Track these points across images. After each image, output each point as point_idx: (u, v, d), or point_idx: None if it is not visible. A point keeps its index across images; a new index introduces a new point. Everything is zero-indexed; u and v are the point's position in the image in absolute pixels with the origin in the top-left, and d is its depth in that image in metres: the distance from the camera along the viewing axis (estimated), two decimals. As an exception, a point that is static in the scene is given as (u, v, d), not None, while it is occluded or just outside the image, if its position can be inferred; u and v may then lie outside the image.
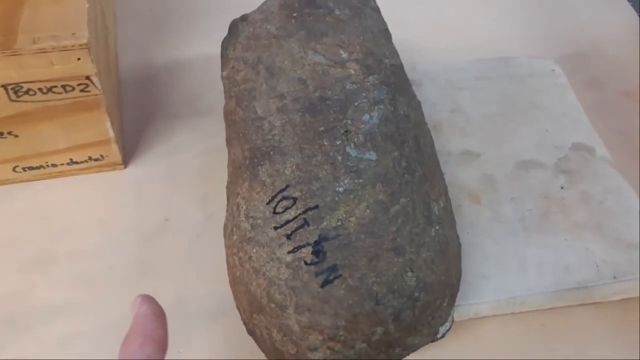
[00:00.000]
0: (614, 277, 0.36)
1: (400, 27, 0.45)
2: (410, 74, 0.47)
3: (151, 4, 0.56)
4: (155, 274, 0.38)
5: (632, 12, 0.61)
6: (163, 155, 0.45)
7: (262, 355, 0.32)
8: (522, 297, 0.36)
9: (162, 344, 0.24)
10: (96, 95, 0.36)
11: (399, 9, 0.56)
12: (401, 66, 0.38)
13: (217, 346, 0.35)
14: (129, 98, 0.48)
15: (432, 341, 0.31)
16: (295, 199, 0.30)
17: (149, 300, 0.25)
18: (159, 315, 0.24)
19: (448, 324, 0.31)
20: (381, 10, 0.43)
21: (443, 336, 0.31)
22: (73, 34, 0.33)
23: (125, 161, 0.43)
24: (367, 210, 0.29)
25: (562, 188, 0.41)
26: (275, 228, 0.29)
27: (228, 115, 0.36)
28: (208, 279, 0.37)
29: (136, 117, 0.47)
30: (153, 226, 0.40)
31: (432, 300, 0.29)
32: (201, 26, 0.54)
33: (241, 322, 0.32)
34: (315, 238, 0.29)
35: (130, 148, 0.45)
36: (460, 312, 0.35)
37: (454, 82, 0.48)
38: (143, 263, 0.39)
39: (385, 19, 0.43)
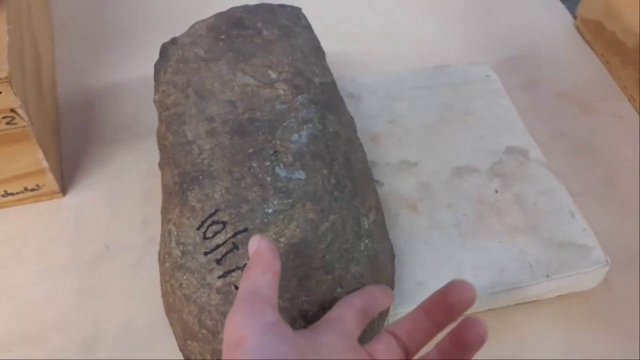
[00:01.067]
0: (547, 276, 0.38)
1: (341, 41, 0.46)
2: (349, 88, 0.48)
3: (88, 27, 0.55)
4: (95, 302, 0.38)
5: (567, 13, 0.63)
6: (103, 180, 0.44)
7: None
8: (459, 302, 0.37)
9: (278, 275, 0.26)
10: (24, 126, 0.36)
11: (338, 23, 0.57)
12: (332, 83, 0.39)
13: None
14: (67, 123, 0.47)
15: (368, 354, 0.31)
16: (224, 223, 0.30)
17: (268, 237, 0.27)
18: (276, 251, 0.27)
19: (382, 336, 0.32)
20: (321, 25, 0.44)
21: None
22: (-8, 67, 0.32)
23: (64, 189, 0.43)
24: (297, 230, 0.30)
25: (496, 192, 0.42)
26: (206, 253, 0.30)
27: (160, 140, 0.36)
28: (149, 305, 0.37)
29: (75, 142, 0.46)
30: (93, 253, 0.40)
31: (362, 314, 0.30)
32: (138, 48, 0.54)
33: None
34: (245, 261, 0.29)
35: (69, 175, 0.44)
36: (398, 319, 0.35)
37: (392, 93, 0.49)
38: (83, 291, 0.38)
39: (325, 34, 0.43)
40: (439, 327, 0.30)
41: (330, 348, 0.26)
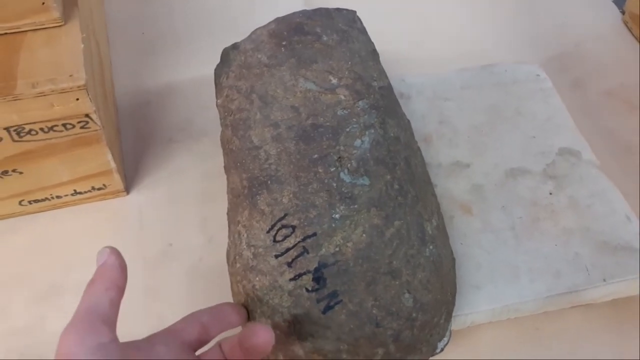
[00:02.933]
0: (604, 280, 0.38)
1: (387, 40, 0.47)
2: (398, 87, 0.49)
3: (142, 28, 0.57)
4: (161, 299, 0.40)
5: (614, 8, 0.62)
6: (163, 180, 0.46)
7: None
8: (515, 305, 0.37)
9: (122, 292, 0.27)
10: (96, 130, 0.37)
11: (384, 22, 0.58)
12: (389, 87, 0.39)
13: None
14: (126, 124, 0.49)
15: (431, 356, 0.32)
16: (294, 227, 0.31)
17: (117, 253, 0.28)
18: (124, 267, 0.28)
19: (446, 338, 0.33)
20: (367, 24, 0.44)
21: (442, 350, 0.33)
22: (70, 75, 0.34)
23: (127, 188, 0.44)
24: (363, 235, 0.31)
25: (550, 194, 0.42)
26: (276, 256, 0.31)
27: (225, 144, 0.38)
28: (213, 302, 0.39)
29: (134, 142, 0.48)
30: (157, 251, 0.42)
31: (429, 318, 0.31)
32: (189, 50, 0.55)
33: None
34: (315, 265, 0.30)
35: (130, 174, 0.46)
36: (456, 322, 0.36)
37: (441, 93, 0.49)
38: (149, 289, 0.40)
39: (371, 33, 0.44)
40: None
41: (163, 358, 0.26)
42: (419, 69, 0.55)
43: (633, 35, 0.59)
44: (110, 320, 0.26)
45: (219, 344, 0.30)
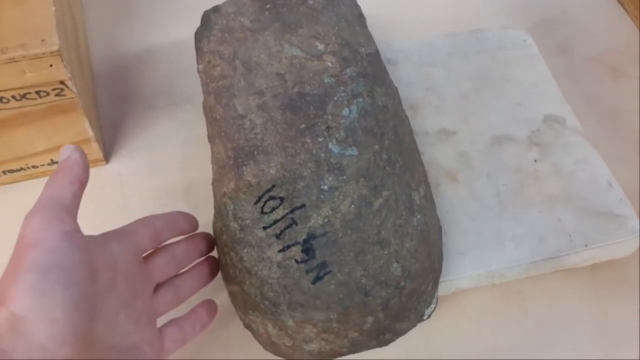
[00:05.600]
0: (585, 245, 0.39)
1: (371, 3, 0.45)
2: (385, 53, 0.48)
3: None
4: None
5: (600, -27, 0.61)
6: (143, 148, 0.45)
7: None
8: (499, 270, 0.38)
9: (84, 187, 0.28)
10: (72, 98, 0.36)
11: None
12: (377, 53, 0.38)
13: (213, 337, 0.37)
14: (102, 89, 0.47)
15: (419, 322, 0.33)
16: (282, 199, 0.31)
17: (81, 150, 0.29)
18: (87, 165, 0.29)
19: (433, 305, 0.33)
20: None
21: (429, 317, 0.33)
22: (42, 40, 0.32)
23: (107, 157, 0.43)
24: (352, 206, 0.30)
25: (535, 161, 0.43)
26: (264, 228, 0.30)
27: (208, 112, 0.36)
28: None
29: (112, 109, 0.46)
30: (140, 222, 0.41)
31: (417, 286, 0.31)
32: (167, 10, 0.53)
33: (234, 314, 0.33)
34: (304, 236, 0.30)
35: (109, 143, 0.44)
36: (441, 288, 0.37)
37: (428, 60, 0.48)
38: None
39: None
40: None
41: (116, 257, 0.28)
42: (404, 33, 0.54)
43: (618, 1, 0.58)
44: (73, 211, 0.27)
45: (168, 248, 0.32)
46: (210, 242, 0.34)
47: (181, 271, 0.33)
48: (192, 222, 0.34)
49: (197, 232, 0.34)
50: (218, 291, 0.35)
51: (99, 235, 0.29)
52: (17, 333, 0.23)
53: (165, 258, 0.32)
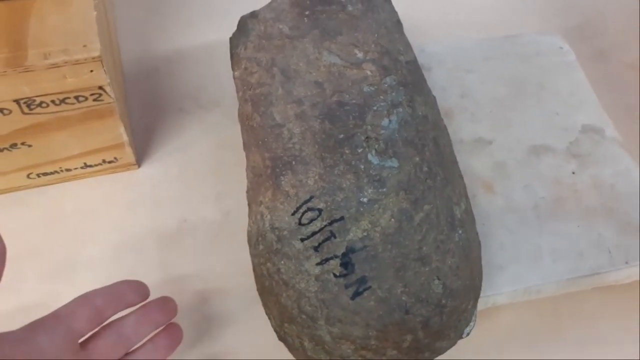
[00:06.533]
0: (626, 262, 0.38)
1: (405, 5, 0.45)
2: (418, 58, 0.47)
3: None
4: (176, 277, 0.39)
5: (638, -22, 0.59)
6: (175, 153, 0.44)
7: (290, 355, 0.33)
8: (537, 286, 0.37)
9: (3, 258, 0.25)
10: (109, 103, 0.35)
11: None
12: (415, 61, 0.38)
13: (243, 345, 0.36)
14: (133, 92, 0.47)
15: (458, 341, 0.32)
16: (320, 210, 0.30)
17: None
18: (2, 257, 0.25)
19: (472, 323, 0.32)
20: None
21: (468, 335, 0.32)
22: (84, 46, 0.32)
23: (139, 161, 0.43)
24: (392, 220, 0.30)
25: (573, 173, 0.42)
26: (302, 240, 0.30)
27: (244, 120, 0.36)
28: (230, 280, 0.38)
29: (143, 113, 0.46)
30: (171, 227, 0.41)
31: (458, 305, 0.30)
32: (200, 11, 0.53)
33: (266, 320, 0.33)
34: (343, 250, 0.29)
35: (141, 147, 0.44)
36: (479, 304, 0.36)
37: (462, 65, 0.47)
38: (163, 266, 0.39)
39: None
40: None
41: (44, 352, 0.25)
42: (436, 37, 0.53)
43: (657, 4, 0.56)
44: None
45: (112, 327, 0.29)
46: (168, 309, 0.31)
47: (132, 349, 0.30)
48: (142, 292, 0.31)
49: (149, 300, 0.31)
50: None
51: (21, 330, 0.26)
52: None
53: (110, 339, 0.28)
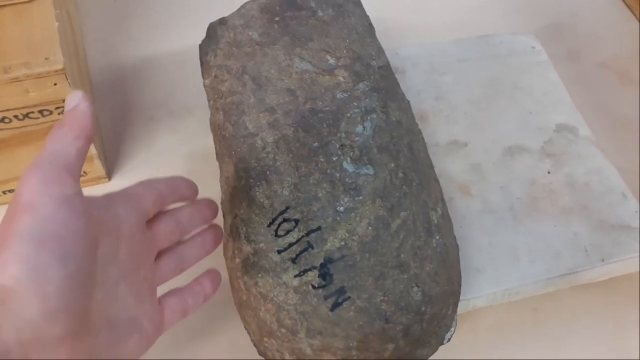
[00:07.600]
0: (602, 260, 0.38)
1: (377, 8, 0.44)
2: (392, 61, 0.47)
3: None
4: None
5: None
6: (146, 163, 0.43)
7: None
8: (515, 288, 0.37)
9: (90, 143, 0.25)
10: (75, 116, 0.34)
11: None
12: (388, 66, 0.37)
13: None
14: (102, 102, 0.46)
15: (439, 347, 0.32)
16: (296, 221, 0.30)
17: (89, 99, 0.26)
18: (93, 114, 0.26)
19: (452, 329, 0.32)
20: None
21: (449, 340, 0.32)
22: (46, 58, 0.31)
23: (109, 174, 0.42)
24: (369, 228, 0.29)
25: (548, 172, 0.42)
26: (279, 252, 0.29)
27: (216, 130, 0.35)
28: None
29: (112, 123, 0.45)
30: (146, 240, 0.40)
31: (438, 311, 0.30)
32: (167, 18, 0.52)
33: (244, 333, 0.32)
34: (321, 261, 0.29)
35: (111, 159, 0.43)
36: (458, 307, 0.36)
37: (437, 67, 0.47)
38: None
39: (363, 2, 0.41)
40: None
41: (121, 222, 0.26)
42: (411, 39, 0.53)
43: (626, 4, 0.57)
44: (75, 171, 0.24)
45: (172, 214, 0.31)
46: (214, 209, 0.33)
47: (184, 238, 0.32)
48: (194, 189, 0.32)
49: (201, 198, 0.33)
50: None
51: (103, 197, 0.27)
52: (5, 307, 0.21)
53: (169, 224, 0.30)
